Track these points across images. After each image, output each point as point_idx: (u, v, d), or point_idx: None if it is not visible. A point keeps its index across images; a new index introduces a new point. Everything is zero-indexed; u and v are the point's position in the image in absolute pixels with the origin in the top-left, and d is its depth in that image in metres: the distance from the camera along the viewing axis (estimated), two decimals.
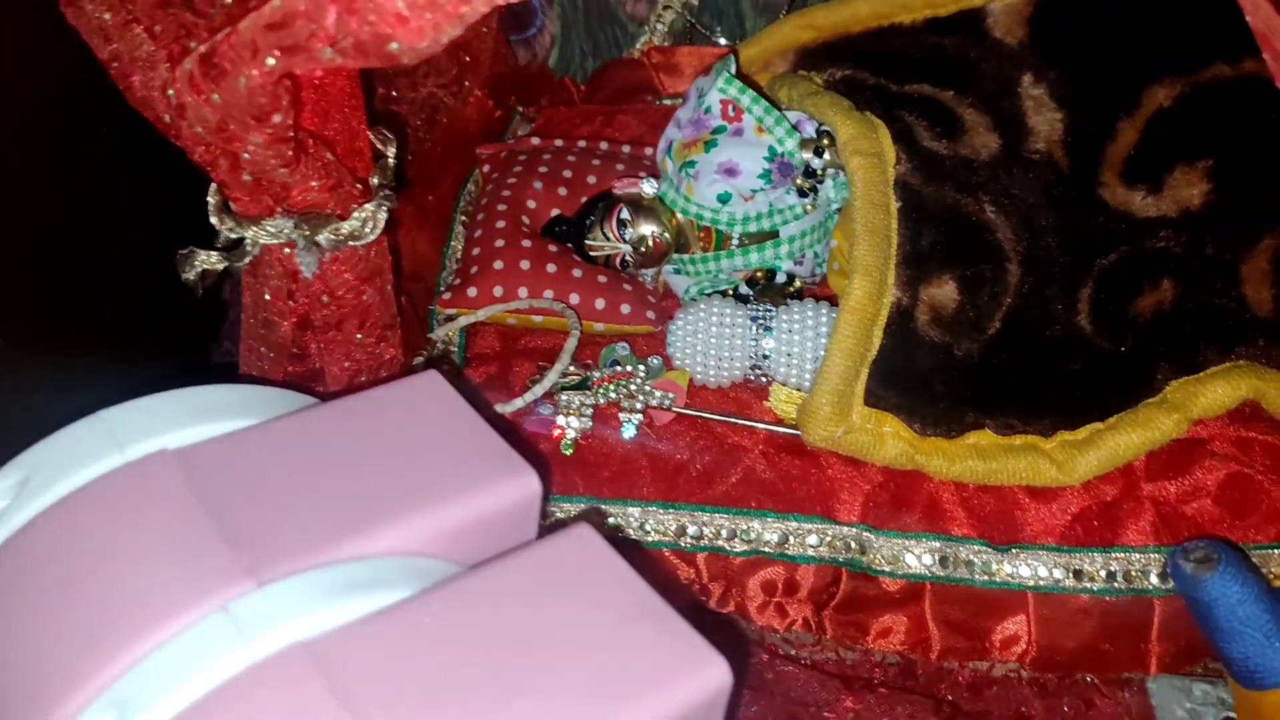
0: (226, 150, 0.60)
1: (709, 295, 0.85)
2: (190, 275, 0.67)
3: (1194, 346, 0.78)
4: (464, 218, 0.98)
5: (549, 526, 0.73)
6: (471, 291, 0.87)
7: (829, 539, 0.75)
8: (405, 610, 0.48)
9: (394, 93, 1.03)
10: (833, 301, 0.82)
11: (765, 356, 0.80)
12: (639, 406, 0.79)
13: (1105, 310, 0.82)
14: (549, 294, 0.86)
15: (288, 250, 0.66)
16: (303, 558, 0.50)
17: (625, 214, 0.87)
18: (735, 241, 0.86)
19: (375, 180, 0.71)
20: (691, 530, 0.76)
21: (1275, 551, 0.73)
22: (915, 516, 0.75)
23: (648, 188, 0.88)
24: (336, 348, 0.73)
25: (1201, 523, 0.74)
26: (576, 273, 0.87)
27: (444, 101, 1.04)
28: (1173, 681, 0.73)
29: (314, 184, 0.63)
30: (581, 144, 1.01)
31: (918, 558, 0.74)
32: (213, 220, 0.66)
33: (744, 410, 0.80)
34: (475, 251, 0.90)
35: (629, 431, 0.78)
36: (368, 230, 0.68)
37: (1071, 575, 0.73)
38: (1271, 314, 0.79)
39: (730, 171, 0.84)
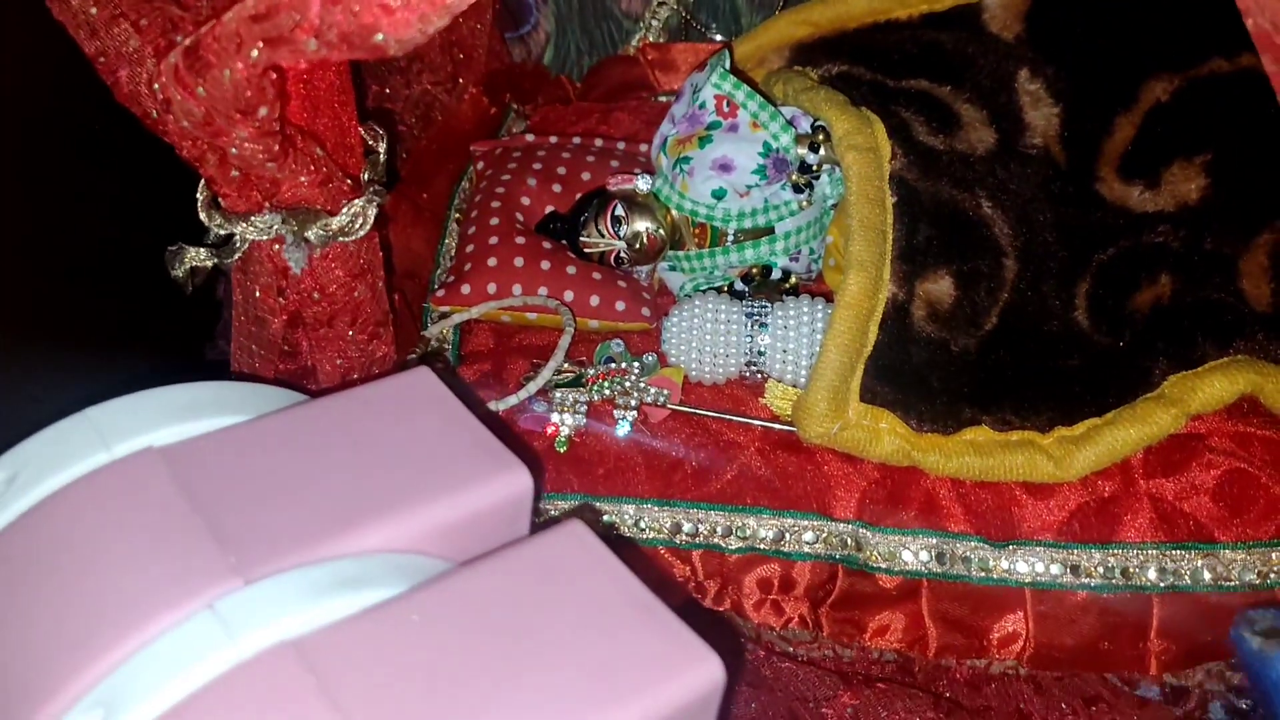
0: (214, 145, 0.59)
1: (704, 291, 0.85)
2: (179, 272, 0.67)
3: (1192, 341, 0.77)
4: (458, 215, 0.98)
5: (542, 524, 0.73)
6: (465, 288, 0.87)
7: (825, 536, 0.75)
8: (394, 608, 0.48)
9: (388, 90, 1.03)
10: (828, 297, 0.82)
11: (760, 353, 0.80)
12: (634, 403, 0.78)
13: (1103, 305, 0.82)
14: (543, 291, 0.85)
15: (277, 246, 0.66)
16: (291, 555, 0.49)
17: (620, 210, 0.86)
18: (730, 238, 0.86)
19: (365, 176, 0.70)
20: (687, 527, 0.76)
21: (1274, 549, 0.73)
22: (912, 513, 0.75)
23: (642, 184, 0.88)
24: (328, 345, 0.73)
25: (1200, 519, 0.73)
26: (571, 269, 0.87)
27: (439, 99, 1.04)
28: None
29: (303, 179, 0.63)
30: (576, 140, 1.00)
31: (914, 554, 0.74)
32: (201, 216, 0.66)
33: (739, 407, 0.80)
34: (469, 248, 0.90)
35: (623, 428, 0.78)
36: (357, 226, 0.68)
37: (1069, 571, 0.73)
38: (1270, 308, 0.78)
39: (725, 167, 0.84)
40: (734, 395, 0.81)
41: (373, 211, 0.68)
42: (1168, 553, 0.73)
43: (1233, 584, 0.72)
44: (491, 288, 0.86)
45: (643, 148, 1.00)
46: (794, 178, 0.85)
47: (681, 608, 0.50)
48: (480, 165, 0.99)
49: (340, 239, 0.67)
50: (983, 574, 0.74)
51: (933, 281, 0.79)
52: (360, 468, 0.54)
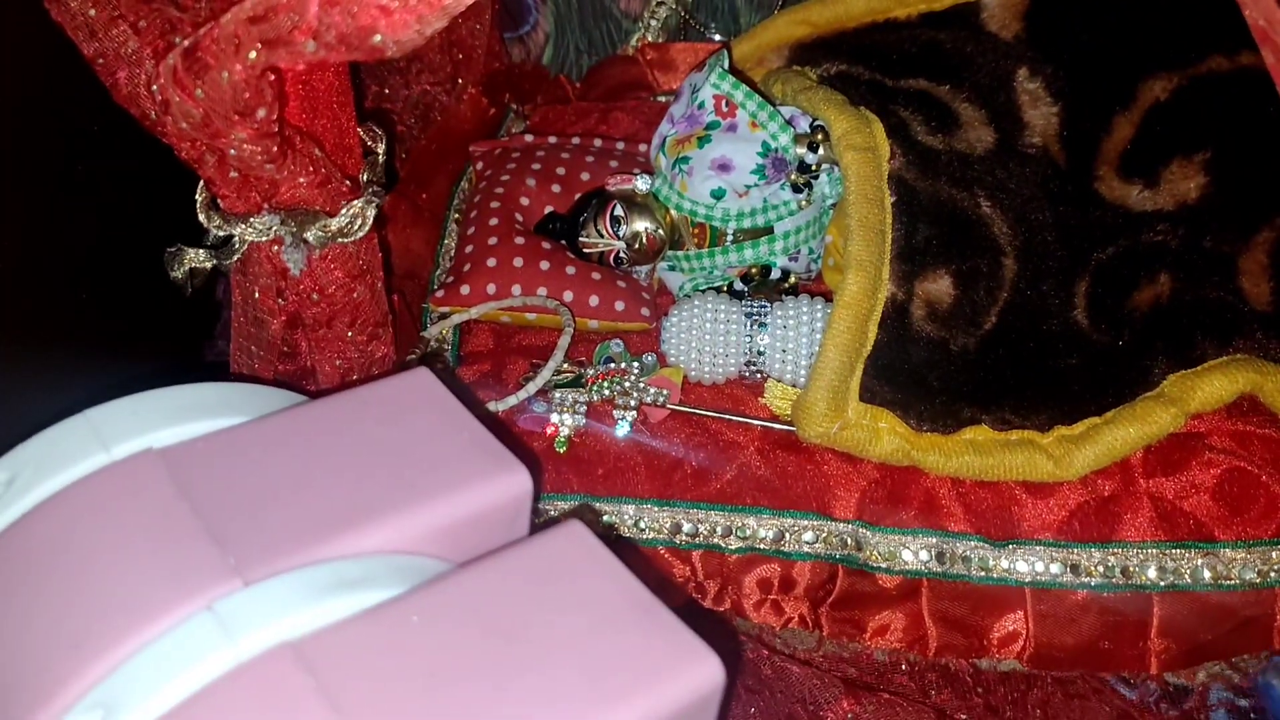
0: (213, 146, 0.59)
1: (703, 291, 0.84)
2: (178, 273, 0.67)
3: (1191, 340, 0.77)
4: (457, 215, 0.98)
5: (541, 525, 0.73)
6: (464, 289, 0.87)
7: (825, 535, 0.75)
8: (394, 609, 0.48)
9: (386, 90, 1.03)
10: (827, 297, 0.82)
11: (760, 352, 0.80)
12: (633, 403, 0.78)
13: (1102, 304, 0.82)
14: (542, 291, 0.85)
15: (276, 248, 0.66)
16: (290, 556, 0.49)
17: (619, 210, 0.86)
18: (729, 237, 0.86)
19: (364, 176, 0.70)
20: (686, 527, 0.76)
21: (1274, 548, 0.73)
22: (912, 512, 0.75)
23: (641, 184, 0.88)
24: (327, 346, 0.73)
25: (1200, 518, 0.73)
26: (570, 270, 0.87)
27: (438, 99, 1.04)
28: None
29: (302, 180, 0.63)
30: (575, 141, 1.00)
31: (914, 554, 0.74)
32: (200, 218, 0.66)
33: (739, 407, 0.80)
34: (468, 249, 0.90)
35: (623, 429, 0.78)
36: (356, 227, 0.67)
37: (1069, 570, 0.73)
38: (1269, 307, 0.78)
39: (724, 167, 0.84)
40: (733, 395, 0.81)
41: (372, 212, 0.68)
42: (1168, 552, 0.73)
43: (1233, 583, 0.72)
44: (491, 288, 0.86)
45: (642, 148, 1.00)
46: (793, 177, 0.85)
47: (681, 608, 0.50)
48: (479, 165, 0.99)
49: (339, 240, 0.67)
50: (983, 573, 0.73)
51: (932, 281, 0.79)
52: (360, 469, 0.54)
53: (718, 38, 1.11)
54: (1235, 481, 0.74)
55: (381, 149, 0.72)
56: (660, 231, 0.86)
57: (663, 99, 1.08)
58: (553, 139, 1.00)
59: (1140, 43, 0.89)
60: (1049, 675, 0.75)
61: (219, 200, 0.65)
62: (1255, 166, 0.82)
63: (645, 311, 0.86)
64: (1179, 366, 0.76)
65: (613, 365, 0.81)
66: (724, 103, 0.85)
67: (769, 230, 0.85)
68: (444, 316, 0.87)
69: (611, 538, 0.75)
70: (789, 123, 0.85)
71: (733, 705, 0.72)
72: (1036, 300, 0.82)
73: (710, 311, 0.80)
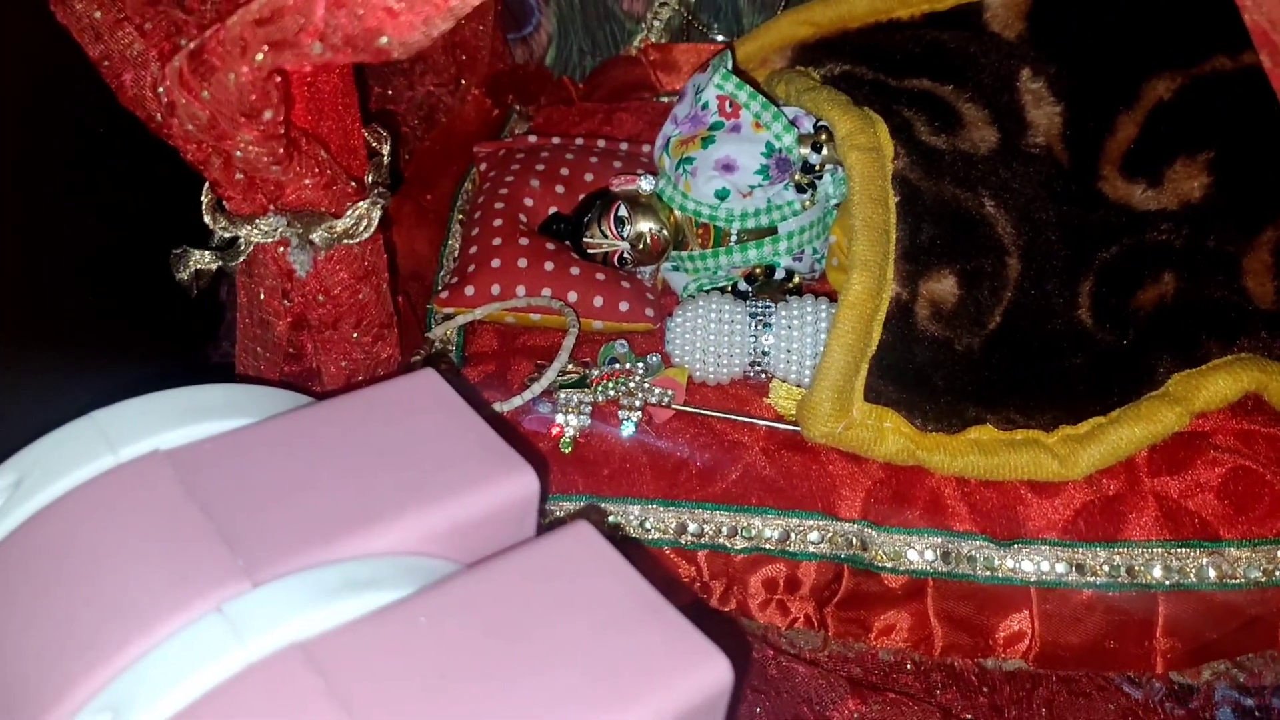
0: (219, 148, 0.59)
1: (707, 292, 0.84)
2: (184, 275, 0.67)
3: (1196, 339, 0.77)
4: (462, 216, 0.98)
5: (548, 525, 0.73)
6: (469, 290, 0.87)
7: (830, 535, 0.75)
8: (403, 609, 0.48)
9: (391, 92, 1.03)
10: (832, 297, 0.82)
11: (765, 353, 0.80)
12: (638, 404, 0.78)
13: (1106, 304, 0.82)
14: (547, 292, 0.85)
15: (281, 249, 0.66)
16: (299, 557, 0.49)
17: (623, 211, 0.86)
18: (734, 238, 0.86)
19: (369, 178, 0.70)
20: (692, 528, 0.76)
21: (1279, 546, 0.73)
22: (917, 512, 0.75)
23: (645, 185, 0.88)
24: (333, 347, 0.73)
25: (1205, 517, 0.73)
26: (574, 270, 0.87)
27: (442, 100, 1.04)
28: None
29: (307, 182, 0.63)
30: (579, 141, 1.00)
31: (920, 554, 0.74)
32: (206, 219, 0.66)
33: (744, 407, 0.80)
34: (473, 250, 0.90)
35: (628, 429, 0.78)
36: (362, 228, 0.68)
37: (1074, 570, 0.73)
38: (1273, 306, 0.78)
39: (728, 167, 0.84)
40: (738, 395, 0.81)
41: (377, 214, 0.68)
42: (1173, 551, 0.73)
43: (1238, 581, 0.72)
44: (495, 289, 0.86)
45: (645, 148, 1.00)
46: (797, 178, 0.85)
47: (688, 608, 0.50)
48: (483, 166, 0.99)
49: (345, 241, 0.67)
50: (988, 573, 0.74)
51: (936, 281, 0.79)
52: (367, 470, 0.54)
53: (721, 38, 1.11)
54: (1240, 480, 0.74)
55: (386, 150, 0.72)
56: (664, 232, 0.86)
57: (666, 100, 1.08)
58: (556, 140, 1.00)
59: (1143, 42, 0.89)
60: (1054, 675, 0.75)
61: (224, 202, 0.66)
62: (1259, 166, 0.82)
63: (650, 312, 0.86)
64: (1183, 366, 0.76)
65: (617, 366, 0.81)
66: (728, 103, 0.85)
67: (773, 230, 0.85)
68: (449, 317, 0.87)
69: (617, 538, 0.75)
70: (793, 123, 0.85)
71: (740, 704, 0.72)
72: (1041, 300, 0.82)
73: (715, 312, 0.80)
